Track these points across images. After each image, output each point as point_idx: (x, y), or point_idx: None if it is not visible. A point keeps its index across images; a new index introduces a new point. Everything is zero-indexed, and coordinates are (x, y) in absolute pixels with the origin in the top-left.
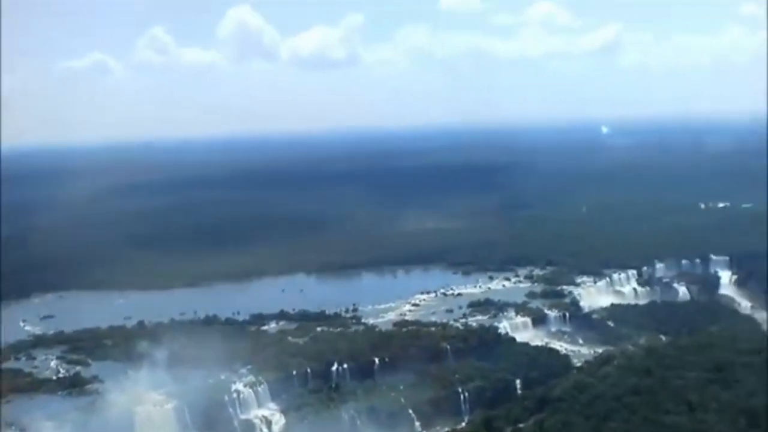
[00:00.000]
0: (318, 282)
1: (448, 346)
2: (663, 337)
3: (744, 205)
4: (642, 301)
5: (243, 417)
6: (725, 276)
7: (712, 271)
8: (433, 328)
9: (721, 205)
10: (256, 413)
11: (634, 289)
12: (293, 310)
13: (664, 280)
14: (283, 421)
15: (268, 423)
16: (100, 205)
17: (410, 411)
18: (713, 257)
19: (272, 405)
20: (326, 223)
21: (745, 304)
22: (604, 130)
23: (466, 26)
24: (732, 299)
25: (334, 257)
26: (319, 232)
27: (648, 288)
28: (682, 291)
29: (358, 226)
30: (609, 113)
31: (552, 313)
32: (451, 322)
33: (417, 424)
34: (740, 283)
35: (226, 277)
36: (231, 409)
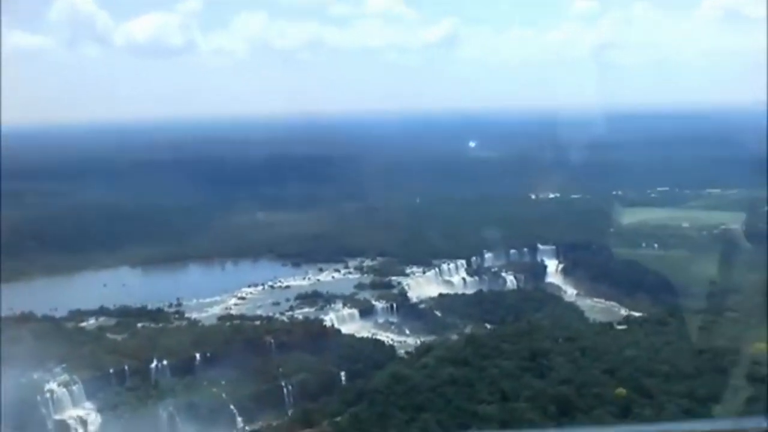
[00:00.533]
0: (143, 276)
1: (272, 340)
2: (488, 326)
3: (573, 196)
4: (470, 291)
5: (57, 417)
6: (552, 265)
7: (539, 260)
8: (257, 322)
9: (551, 195)
10: (70, 413)
11: (463, 279)
12: (114, 305)
13: (493, 270)
14: (99, 420)
15: (83, 423)
16: None
17: (231, 406)
18: (540, 247)
19: (88, 404)
20: (152, 215)
21: (570, 292)
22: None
23: (303, 16)
24: (558, 287)
25: (160, 250)
26: (145, 225)
27: (476, 277)
28: (510, 280)
29: (186, 217)
30: (450, 105)
31: (379, 304)
32: (277, 315)
33: (239, 419)
34: (566, 272)
35: (44, 272)
36: (44, 410)
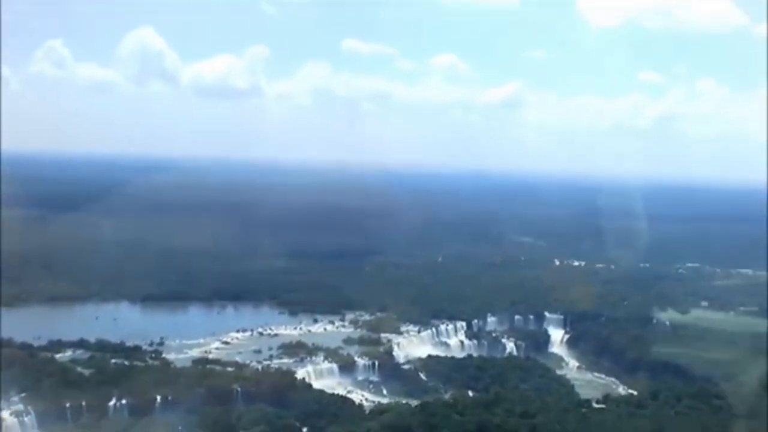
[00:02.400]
0: (140, 312)
1: (239, 389)
2: (470, 393)
3: (598, 265)
4: (464, 354)
5: None
6: (557, 334)
7: (544, 328)
8: (230, 368)
9: (576, 263)
10: None
11: (461, 342)
12: (96, 338)
13: (494, 335)
14: None
15: None
16: None
17: None
18: (547, 315)
19: None
20: (168, 253)
21: (572, 364)
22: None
23: (369, 69)
24: (560, 358)
25: (165, 287)
26: (158, 261)
27: (475, 341)
28: (510, 346)
29: (200, 258)
30: (507, 166)
31: (362, 361)
32: (253, 363)
33: None
34: (571, 343)
35: (47, 300)
36: None
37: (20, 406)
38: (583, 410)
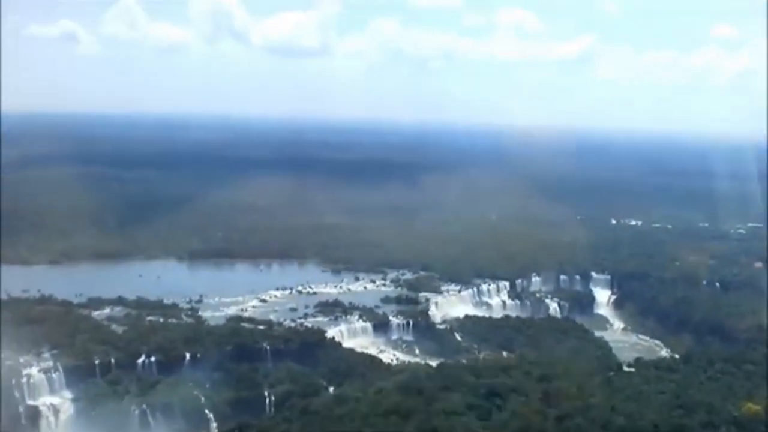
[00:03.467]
0: (186, 269)
1: (268, 347)
2: (505, 353)
3: (654, 225)
4: (504, 314)
5: (30, 403)
6: (603, 295)
7: (590, 289)
8: (261, 327)
9: (633, 222)
10: (45, 400)
11: (503, 302)
12: (135, 296)
13: (537, 295)
14: (71, 410)
15: (56, 411)
16: None
17: (207, 411)
18: (594, 275)
19: (66, 393)
20: (220, 210)
21: (617, 326)
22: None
23: (437, 24)
24: (606, 319)
25: (213, 244)
26: (210, 219)
27: (518, 301)
28: (553, 307)
29: (251, 215)
30: (579, 122)
31: (396, 320)
32: (286, 322)
33: (213, 425)
34: (618, 304)
35: (95, 256)
36: (17, 394)
37: (50, 363)
38: (610, 374)
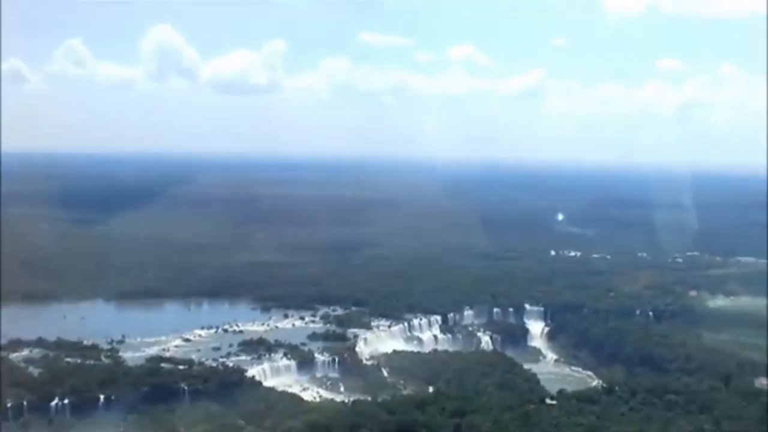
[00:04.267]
0: (112, 309)
1: (186, 387)
2: (431, 388)
3: (593, 255)
4: (435, 349)
5: None
6: (537, 327)
7: (523, 321)
8: (181, 367)
9: (572, 253)
10: None
11: (434, 336)
12: (55, 337)
13: (470, 328)
14: None
15: None
16: None
17: None
18: (528, 307)
19: None
20: (153, 249)
21: (550, 357)
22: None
23: (389, 60)
24: (539, 351)
25: (142, 284)
26: (141, 258)
27: (449, 335)
28: (485, 340)
29: (183, 254)
30: (528, 155)
31: (322, 358)
32: (208, 361)
33: None
34: (551, 336)
35: (21, 298)
36: None
37: None
38: (530, 407)
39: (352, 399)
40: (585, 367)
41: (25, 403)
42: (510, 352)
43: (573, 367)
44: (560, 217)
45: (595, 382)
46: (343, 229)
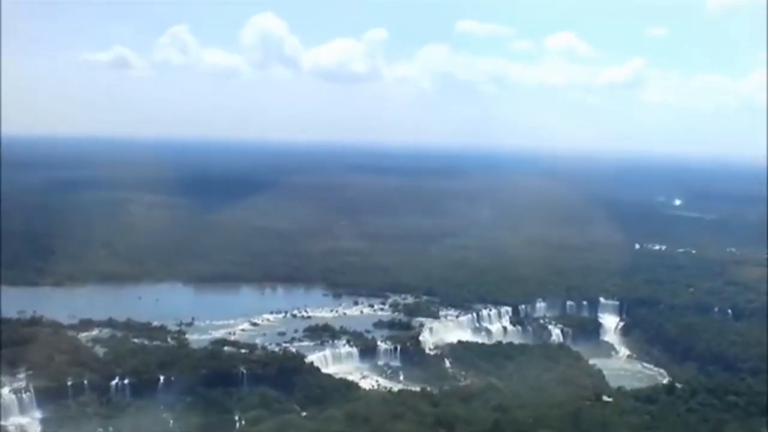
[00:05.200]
0: (189, 292)
1: (245, 371)
2: (492, 380)
3: (679, 250)
4: (500, 340)
5: None
6: (611, 322)
7: (597, 315)
8: (243, 351)
9: (657, 247)
10: (14, 420)
11: (504, 328)
12: (125, 318)
13: (541, 321)
14: (39, 430)
15: (23, 431)
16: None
17: None
18: (603, 301)
19: (36, 413)
20: (236, 234)
21: (623, 353)
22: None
23: (487, 49)
24: (611, 346)
25: (221, 268)
26: (224, 242)
27: (519, 327)
28: (556, 333)
29: (266, 239)
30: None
31: (384, 346)
32: (270, 346)
33: None
34: (625, 331)
35: (101, 279)
36: None
37: (23, 383)
38: (582, 405)
39: (413, 387)
40: (657, 364)
41: (86, 381)
42: (581, 347)
43: (645, 364)
44: (676, 201)
45: (666, 380)
46: (427, 217)
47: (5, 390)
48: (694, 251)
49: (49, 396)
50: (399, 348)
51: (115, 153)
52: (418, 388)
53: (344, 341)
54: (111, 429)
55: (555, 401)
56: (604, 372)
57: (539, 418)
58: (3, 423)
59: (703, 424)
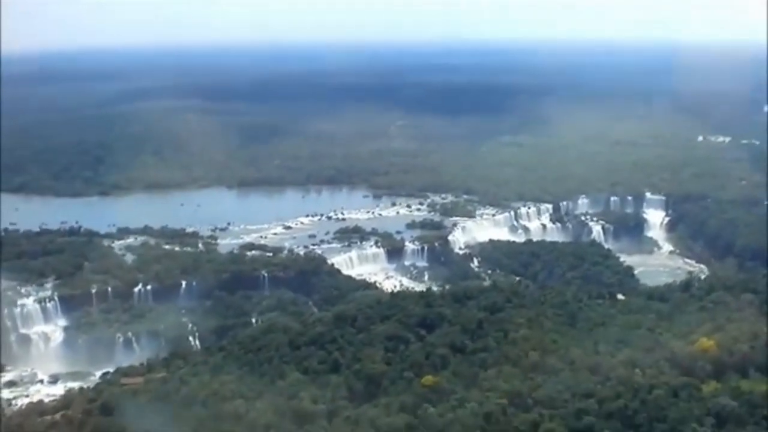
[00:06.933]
0: (231, 197)
1: (266, 275)
2: (517, 279)
3: (743, 141)
4: (534, 238)
5: (23, 331)
6: (657, 217)
7: (643, 210)
8: (269, 254)
9: (720, 139)
10: (37, 328)
11: (543, 225)
12: (161, 225)
13: (582, 218)
14: (61, 338)
15: (46, 339)
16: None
17: (191, 338)
18: (648, 196)
19: (59, 321)
20: (284, 139)
21: (665, 249)
22: None
23: None
24: (654, 242)
25: (266, 172)
26: (271, 147)
27: (559, 225)
28: (596, 230)
29: (313, 142)
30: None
31: (412, 246)
32: (297, 249)
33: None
34: (670, 227)
35: (146, 187)
36: (9, 323)
37: (48, 292)
38: (594, 302)
39: (435, 287)
40: (699, 260)
41: (109, 288)
42: (623, 243)
43: (687, 260)
44: None
45: (702, 276)
46: (487, 115)
47: (30, 300)
48: (757, 142)
49: (73, 304)
50: (426, 248)
51: (164, 62)
52: (405, 289)
53: (372, 242)
54: (130, 334)
55: (559, 300)
56: (642, 269)
57: (533, 317)
58: (26, 332)
59: (712, 322)
